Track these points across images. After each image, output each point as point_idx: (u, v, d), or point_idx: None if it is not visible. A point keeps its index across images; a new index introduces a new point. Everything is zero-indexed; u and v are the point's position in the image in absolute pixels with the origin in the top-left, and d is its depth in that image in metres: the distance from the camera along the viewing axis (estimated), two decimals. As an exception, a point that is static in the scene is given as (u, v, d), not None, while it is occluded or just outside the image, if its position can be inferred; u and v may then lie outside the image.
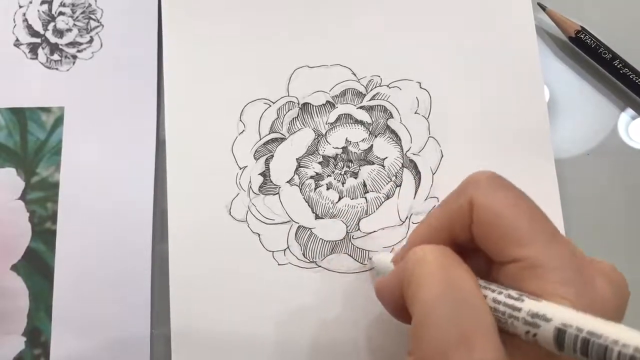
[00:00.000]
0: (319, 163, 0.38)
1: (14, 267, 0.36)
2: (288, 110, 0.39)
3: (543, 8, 0.41)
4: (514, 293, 0.24)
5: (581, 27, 0.40)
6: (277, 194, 0.38)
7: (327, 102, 0.39)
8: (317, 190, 0.38)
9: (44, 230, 0.37)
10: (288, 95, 0.39)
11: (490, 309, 0.24)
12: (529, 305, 0.23)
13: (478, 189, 0.26)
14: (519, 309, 0.23)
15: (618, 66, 0.40)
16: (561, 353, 0.22)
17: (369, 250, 0.37)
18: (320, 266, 0.37)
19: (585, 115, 0.41)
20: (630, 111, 0.41)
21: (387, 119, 0.39)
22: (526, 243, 0.25)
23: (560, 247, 0.25)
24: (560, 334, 0.22)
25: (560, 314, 0.22)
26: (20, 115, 0.38)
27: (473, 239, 0.27)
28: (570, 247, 0.25)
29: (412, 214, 0.37)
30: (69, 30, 0.40)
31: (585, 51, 0.41)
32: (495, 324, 0.24)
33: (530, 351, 0.24)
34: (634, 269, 0.38)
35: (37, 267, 0.36)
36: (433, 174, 0.38)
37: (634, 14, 0.42)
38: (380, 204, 0.37)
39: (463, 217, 0.27)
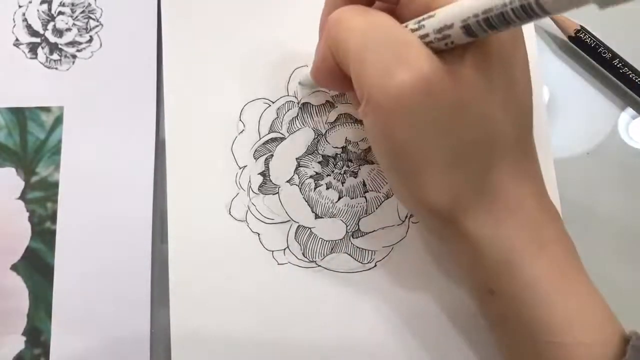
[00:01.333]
0: (319, 162, 0.37)
1: (14, 267, 0.35)
2: (288, 110, 0.38)
3: (543, 7, 0.40)
4: (413, 24, 0.26)
5: (581, 26, 0.40)
6: (276, 193, 0.37)
7: (327, 101, 0.38)
8: (317, 189, 0.37)
9: (43, 230, 0.36)
10: (288, 95, 0.38)
11: None
12: (430, 24, 0.25)
13: None
14: (427, 35, 0.25)
15: (618, 65, 0.39)
16: (477, 38, 0.25)
17: (369, 250, 0.36)
18: (320, 265, 0.36)
19: (585, 115, 0.40)
20: (630, 111, 0.40)
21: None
22: None
23: None
24: (466, 29, 0.24)
25: (454, 14, 0.24)
26: (20, 115, 0.38)
27: None
28: None
29: (411, 214, 0.37)
30: (69, 29, 0.39)
31: (585, 50, 0.40)
32: (421, 42, 0.26)
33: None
34: (634, 269, 0.38)
35: (37, 266, 0.35)
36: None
37: (634, 14, 0.42)
38: (380, 204, 0.37)
39: None
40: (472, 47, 0.26)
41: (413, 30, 0.26)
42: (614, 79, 0.40)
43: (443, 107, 0.25)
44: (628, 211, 0.39)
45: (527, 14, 0.22)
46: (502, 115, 0.27)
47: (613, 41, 0.40)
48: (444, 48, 0.26)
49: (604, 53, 0.39)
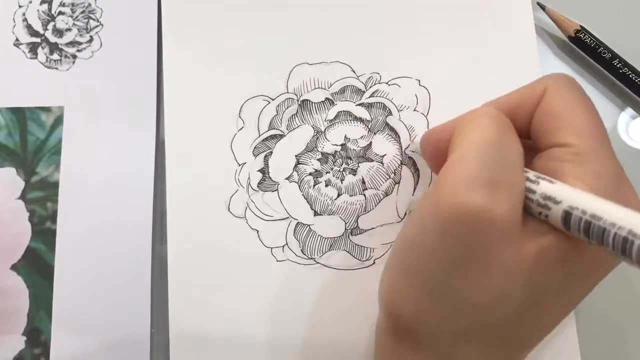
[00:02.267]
0: (318, 160, 0.37)
1: (14, 267, 0.35)
2: (287, 107, 0.38)
3: (542, 7, 0.40)
4: (532, 175, 0.25)
5: (581, 26, 0.39)
6: (275, 190, 0.36)
7: (326, 99, 0.38)
8: (316, 187, 0.36)
9: (43, 230, 0.35)
10: (287, 92, 0.38)
11: None
12: (543, 187, 0.24)
13: (555, 81, 0.27)
14: (534, 192, 0.24)
15: (618, 66, 0.38)
16: (569, 232, 0.23)
17: (367, 247, 0.36)
18: (318, 263, 0.36)
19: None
20: (630, 111, 0.40)
21: (386, 116, 0.37)
22: (581, 134, 0.25)
23: (610, 153, 0.25)
24: (567, 215, 0.23)
25: (568, 196, 0.23)
26: (20, 115, 0.37)
27: (527, 131, 0.27)
28: (617, 161, 0.26)
29: (410, 211, 0.36)
30: (69, 29, 0.39)
31: (585, 51, 0.39)
32: (524, 191, 0.24)
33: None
34: (634, 269, 0.37)
35: (37, 266, 0.35)
36: (432, 171, 0.37)
37: (634, 14, 0.41)
38: (379, 201, 0.36)
39: (532, 101, 0.27)
40: (562, 234, 0.24)
41: (527, 179, 0.25)
42: (614, 79, 0.39)
43: (486, 253, 0.23)
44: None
45: (624, 249, 0.21)
46: (526, 308, 0.25)
47: (613, 41, 0.39)
48: (537, 216, 0.24)
49: (604, 53, 0.38)
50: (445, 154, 0.27)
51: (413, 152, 0.37)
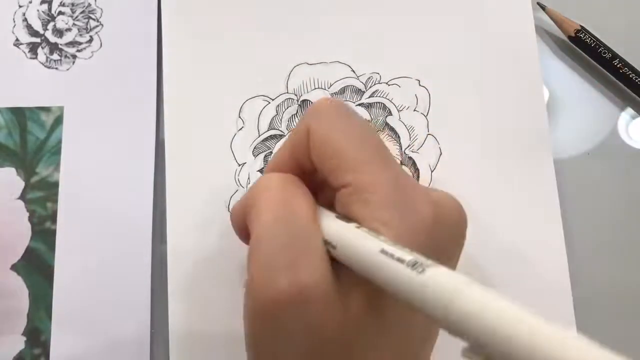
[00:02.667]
0: (318, 160, 0.36)
1: (14, 267, 0.35)
2: (287, 107, 0.37)
3: (543, 7, 0.40)
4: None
5: (581, 26, 0.39)
6: (276, 191, 0.36)
7: (326, 98, 0.37)
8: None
9: (43, 230, 0.35)
10: (287, 92, 0.37)
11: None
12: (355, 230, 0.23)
13: (316, 117, 0.26)
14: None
15: (618, 65, 0.38)
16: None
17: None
18: (319, 263, 0.35)
19: (585, 115, 0.39)
20: (630, 111, 0.39)
21: (386, 116, 0.37)
22: (353, 169, 0.24)
23: (385, 173, 0.24)
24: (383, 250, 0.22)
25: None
26: (19, 115, 0.37)
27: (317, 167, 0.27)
28: (394, 172, 0.25)
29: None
30: (69, 29, 0.38)
31: (585, 50, 0.39)
32: (324, 251, 0.23)
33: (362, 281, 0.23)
34: (634, 270, 0.36)
35: (37, 266, 0.35)
36: (432, 171, 0.36)
37: (634, 14, 0.41)
38: (379, 201, 0.36)
39: (302, 145, 0.26)
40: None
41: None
42: (614, 79, 0.39)
43: (316, 330, 0.23)
44: (628, 211, 0.38)
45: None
46: None
47: (613, 41, 0.39)
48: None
49: (604, 53, 0.38)
50: (248, 229, 0.26)
51: (413, 152, 0.36)
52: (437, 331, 0.26)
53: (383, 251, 0.21)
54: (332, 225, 0.24)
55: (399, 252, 0.21)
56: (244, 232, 0.27)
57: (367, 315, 0.23)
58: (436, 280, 0.19)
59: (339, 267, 0.23)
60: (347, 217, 0.24)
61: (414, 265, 0.20)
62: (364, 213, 0.24)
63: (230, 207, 0.36)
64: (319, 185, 0.27)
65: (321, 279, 0.23)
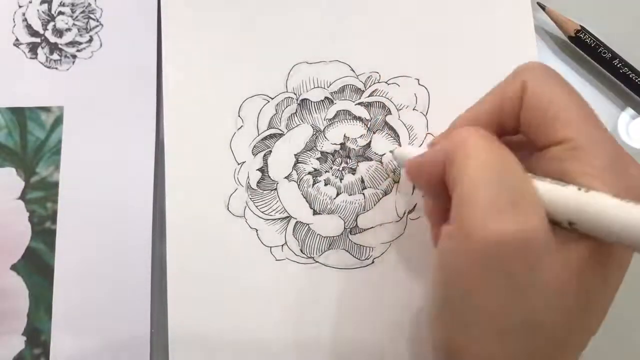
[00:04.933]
0: (317, 159, 0.36)
1: (14, 267, 0.34)
2: (286, 106, 0.37)
3: (542, 7, 0.39)
4: (546, 183, 0.23)
5: (581, 26, 0.38)
6: (275, 189, 0.35)
7: (326, 98, 0.37)
8: (315, 186, 0.35)
9: (43, 230, 0.34)
10: (286, 91, 0.37)
11: None
12: (563, 193, 0.23)
13: (531, 74, 0.26)
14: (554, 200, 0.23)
15: (618, 65, 0.37)
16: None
17: (366, 246, 0.35)
18: (317, 262, 0.35)
19: (586, 114, 0.38)
20: (630, 111, 0.39)
21: (386, 115, 0.36)
22: (572, 125, 0.24)
23: (604, 134, 0.24)
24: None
25: (587, 203, 0.22)
26: (19, 115, 0.36)
27: (518, 127, 0.26)
28: (610, 135, 0.25)
29: (409, 211, 0.35)
30: (69, 29, 0.37)
31: (585, 51, 0.38)
32: (541, 203, 0.23)
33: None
34: (634, 270, 0.36)
35: (37, 266, 0.34)
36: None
37: (634, 14, 0.40)
38: (378, 200, 0.35)
39: (514, 100, 0.26)
40: (590, 238, 0.23)
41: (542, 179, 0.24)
42: (614, 79, 0.38)
43: (535, 275, 0.22)
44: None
45: None
46: (581, 316, 0.24)
47: (613, 41, 0.38)
48: (565, 227, 0.23)
49: (604, 53, 0.38)
50: (441, 183, 0.26)
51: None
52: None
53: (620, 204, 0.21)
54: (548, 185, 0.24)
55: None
56: (434, 185, 0.26)
57: (587, 269, 0.23)
58: None
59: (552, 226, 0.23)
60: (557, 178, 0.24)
61: None
62: (583, 170, 0.23)
63: (230, 206, 0.35)
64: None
65: (543, 224, 0.22)
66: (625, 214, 0.21)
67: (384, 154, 0.36)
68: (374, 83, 0.37)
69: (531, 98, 0.25)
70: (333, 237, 0.35)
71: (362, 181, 0.35)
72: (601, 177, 0.23)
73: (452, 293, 0.24)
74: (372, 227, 0.35)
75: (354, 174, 0.35)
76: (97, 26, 0.37)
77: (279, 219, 0.35)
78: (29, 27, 0.37)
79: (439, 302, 0.25)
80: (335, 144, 0.36)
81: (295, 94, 0.37)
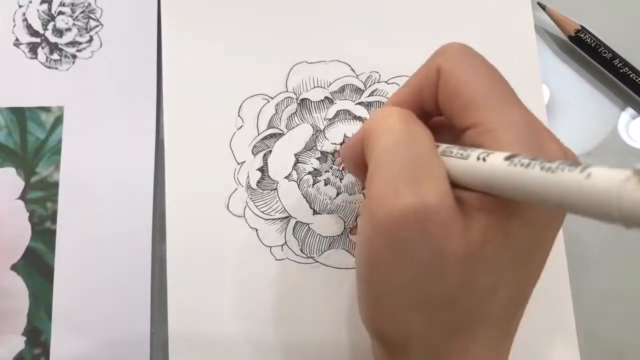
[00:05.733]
0: (317, 159, 0.35)
1: (14, 267, 0.34)
2: (286, 106, 0.36)
3: (543, 7, 0.39)
4: (467, 147, 0.24)
5: (581, 26, 0.38)
6: (275, 189, 0.35)
7: (326, 97, 0.36)
8: (315, 185, 0.35)
9: (43, 230, 0.34)
10: (286, 91, 0.36)
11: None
12: (480, 150, 0.22)
13: (446, 58, 0.26)
14: (468, 156, 0.23)
15: (618, 65, 0.37)
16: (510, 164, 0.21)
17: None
18: (317, 261, 0.34)
19: (585, 115, 0.38)
20: (630, 111, 0.38)
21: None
22: (485, 108, 0.24)
23: (518, 112, 0.24)
24: (510, 156, 0.21)
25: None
26: (19, 115, 0.36)
27: (439, 109, 0.26)
28: (527, 113, 0.25)
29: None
30: (69, 29, 0.37)
31: (585, 50, 0.38)
32: (446, 176, 0.23)
33: (482, 207, 0.23)
34: (634, 270, 0.35)
35: (36, 266, 0.34)
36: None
37: (634, 14, 0.40)
38: (378, 200, 0.35)
39: (430, 84, 0.26)
40: (498, 203, 0.23)
41: (449, 154, 0.24)
42: (614, 79, 0.38)
43: (437, 247, 0.22)
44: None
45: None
46: (499, 283, 0.23)
47: (613, 41, 0.37)
48: (463, 182, 0.23)
49: (604, 53, 0.37)
50: (365, 164, 0.26)
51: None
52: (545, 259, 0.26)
53: (533, 162, 0.20)
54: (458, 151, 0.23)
55: (552, 162, 0.19)
56: (359, 164, 0.27)
57: (491, 235, 0.23)
58: (599, 175, 0.17)
59: (458, 192, 0.23)
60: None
61: (570, 165, 0.18)
62: (493, 149, 0.23)
63: (230, 206, 0.35)
64: (435, 130, 0.26)
65: (445, 196, 0.22)
66: (511, 167, 0.20)
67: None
68: (374, 83, 0.37)
69: (444, 83, 0.25)
70: (333, 236, 0.35)
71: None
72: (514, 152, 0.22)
73: (365, 269, 0.24)
74: (372, 227, 0.35)
75: (353, 173, 0.35)
76: (97, 26, 0.37)
77: (279, 218, 0.35)
78: (29, 27, 0.37)
79: (358, 280, 0.25)
80: (335, 143, 0.36)
81: (295, 94, 0.36)
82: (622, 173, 0.17)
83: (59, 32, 0.37)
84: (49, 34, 0.37)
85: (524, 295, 0.25)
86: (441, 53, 0.26)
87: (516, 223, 0.23)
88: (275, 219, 0.35)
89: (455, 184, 0.23)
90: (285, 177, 0.35)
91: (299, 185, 0.35)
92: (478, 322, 0.24)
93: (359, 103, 0.36)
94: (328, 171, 0.35)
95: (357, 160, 0.27)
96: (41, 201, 0.34)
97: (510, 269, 0.24)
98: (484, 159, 0.22)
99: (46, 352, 0.33)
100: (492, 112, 0.24)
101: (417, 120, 0.25)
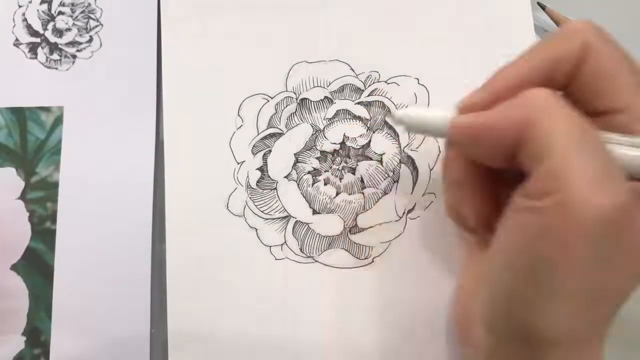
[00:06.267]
0: (317, 158, 0.35)
1: (14, 267, 0.33)
2: (286, 106, 0.36)
3: (543, 7, 0.38)
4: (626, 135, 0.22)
5: None
6: (274, 189, 0.35)
7: (325, 97, 0.36)
8: (315, 185, 0.35)
9: (43, 230, 0.34)
10: (286, 91, 0.36)
11: None
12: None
13: (594, 35, 0.24)
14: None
15: None
16: None
17: (366, 246, 0.34)
18: (317, 261, 0.34)
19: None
20: (630, 110, 0.38)
21: (385, 115, 0.36)
22: (637, 92, 0.23)
23: None
24: None
25: None
26: (19, 115, 0.35)
27: (569, 87, 0.24)
28: None
29: (409, 210, 0.34)
30: (69, 29, 0.37)
31: None
32: (620, 163, 0.22)
33: None
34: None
35: (36, 266, 0.33)
36: (431, 170, 0.35)
37: (634, 14, 0.39)
38: (378, 200, 0.35)
39: (572, 61, 0.24)
40: None
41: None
42: (614, 79, 0.37)
43: (631, 245, 0.22)
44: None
45: None
46: None
47: (613, 41, 0.37)
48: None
49: (604, 53, 0.37)
50: (509, 149, 0.24)
51: (412, 151, 0.35)
52: None
53: None
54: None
55: None
56: (502, 149, 0.24)
57: None
58: None
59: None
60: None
61: None
62: None
63: (230, 205, 0.34)
64: None
65: (630, 192, 0.21)
66: None
67: (384, 153, 0.35)
68: (374, 82, 0.36)
69: (596, 60, 0.24)
70: (332, 236, 0.34)
71: (362, 180, 0.35)
72: None
73: (538, 269, 0.22)
74: (371, 227, 0.34)
75: (353, 173, 0.35)
76: (97, 26, 0.37)
77: (279, 218, 0.35)
78: (29, 27, 0.37)
79: (513, 285, 0.23)
80: (334, 143, 0.35)
81: (294, 94, 0.36)
82: None
83: (59, 32, 0.37)
84: (48, 34, 0.37)
85: None
86: (584, 29, 0.25)
87: None
88: (274, 218, 0.35)
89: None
90: (285, 177, 0.35)
91: (298, 184, 0.35)
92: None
93: (358, 103, 0.36)
94: (327, 171, 0.35)
95: (500, 147, 0.24)
96: (41, 201, 0.34)
97: None
98: None
99: (46, 352, 0.33)
100: None
101: (569, 106, 0.23)
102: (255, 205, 0.35)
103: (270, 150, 0.35)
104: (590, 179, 0.21)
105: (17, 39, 0.37)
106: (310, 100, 0.36)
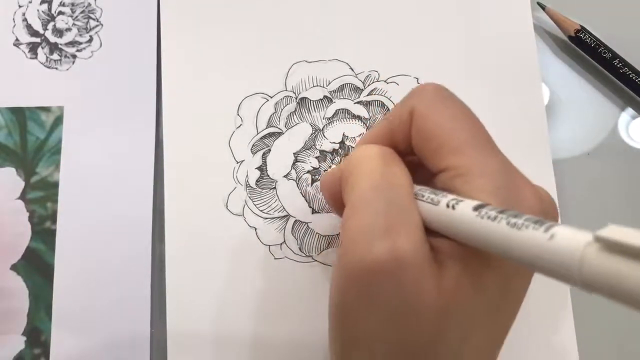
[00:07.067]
0: (316, 158, 0.35)
1: (14, 267, 0.33)
2: (285, 105, 0.36)
3: (542, 7, 0.38)
4: (438, 191, 0.23)
5: (581, 26, 0.37)
6: (273, 188, 0.34)
7: (325, 96, 0.36)
8: (314, 184, 0.35)
9: (43, 230, 0.34)
10: (285, 90, 0.36)
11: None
12: (451, 196, 0.22)
13: (420, 99, 0.25)
14: (439, 202, 0.22)
15: (618, 65, 0.36)
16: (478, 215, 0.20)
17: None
18: (316, 260, 0.34)
19: (585, 115, 0.37)
20: (630, 111, 0.38)
21: (385, 114, 0.35)
22: (459, 152, 0.23)
23: (493, 158, 0.23)
24: (479, 206, 0.20)
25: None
26: (19, 115, 0.35)
27: (412, 149, 0.25)
28: (502, 158, 0.24)
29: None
30: (69, 29, 0.36)
31: (585, 50, 0.37)
32: (421, 224, 0.22)
33: (458, 254, 0.22)
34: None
35: (37, 266, 0.33)
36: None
37: (634, 14, 0.39)
38: (377, 199, 0.34)
39: (403, 126, 0.25)
40: (473, 253, 0.22)
41: (421, 198, 0.23)
42: (614, 79, 0.37)
43: (411, 300, 0.21)
44: (628, 211, 0.36)
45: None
46: (473, 331, 0.22)
47: (613, 41, 0.37)
48: (436, 226, 0.22)
49: (604, 53, 0.37)
50: (342, 202, 0.25)
51: None
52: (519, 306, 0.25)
53: (500, 215, 0.19)
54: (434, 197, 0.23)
55: (519, 217, 0.19)
56: (336, 201, 0.26)
57: (463, 284, 0.22)
58: (563, 237, 0.17)
59: (433, 239, 0.22)
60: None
61: (535, 222, 0.18)
62: (470, 196, 0.22)
63: (229, 204, 0.34)
64: (410, 168, 0.25)
65: (418, 246, 0.21)
66: (478, 219, 0.20)
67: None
68: (373, 82, 0.36)
69: (418, 124, 0.24)
70: (332, 235, 0.34)
71: (361, 180, 0.34)
72: (488, 200, 0.21)
73: (337, 317, 0.23)
74: (370, 226, 0.34)
75: (352, 172, 0.35)
76: (97, 26, 0.36)
77: (278, 217, 0.34)
78: (29, 27, 0.36)
79: (329, 326, 0.24)
80: (334, 142, 0.35)
81: (294, 93, 0.36)
82: (585, 237, 0.16)
83: (59, 32, 0.36)
84: (49, 34, 0.36)
85: (499, 340, 0.24)
86: (414, 93, 0.25)
87: (488, 272, 0.22)
88: (274, 217, 0.34)
89: (429, 229, 0.22)
90: (284, 176, 0.35)
91: (297, 184, 0.35)
92: None
93: (358, 102, 0.36)
94: (327, 170, 0.35)
95: (335, 197, 0.26)
96: (41, 201, 0.34)
97: (483, 316, 0.23)
98: (453, 207, 0.21)
99: (46, 352, 0.32)
100: (466, 156, 0.23)
101: (398, 160, 0.25)
102: (255, 205, 0.34)
103: (269, 150, 0.35)
104: (367, 230, 0.22)
105: (17, 39, 0.36)
106: (310, 100, 0.36)
